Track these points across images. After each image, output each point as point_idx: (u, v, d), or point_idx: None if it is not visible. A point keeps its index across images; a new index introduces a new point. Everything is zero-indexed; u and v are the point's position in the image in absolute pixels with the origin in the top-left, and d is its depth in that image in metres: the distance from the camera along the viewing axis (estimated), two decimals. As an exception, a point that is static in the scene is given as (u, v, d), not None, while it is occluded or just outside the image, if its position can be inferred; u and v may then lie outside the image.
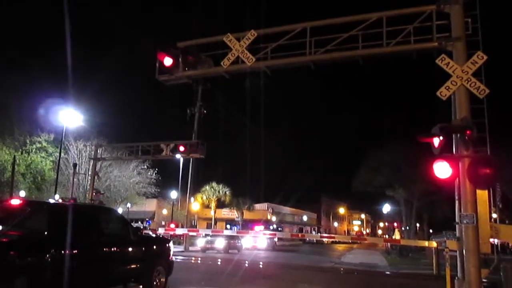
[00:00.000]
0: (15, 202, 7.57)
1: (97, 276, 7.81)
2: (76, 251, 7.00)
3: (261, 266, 21.17)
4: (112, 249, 8.31)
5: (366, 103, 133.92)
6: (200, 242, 32.55)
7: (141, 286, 9.07)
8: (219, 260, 23.24)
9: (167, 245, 10.55)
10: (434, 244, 16.56)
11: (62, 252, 6.75)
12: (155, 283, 9.42)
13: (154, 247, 9.97)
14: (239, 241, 34.04)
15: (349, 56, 10.40)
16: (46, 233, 6.89)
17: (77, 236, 7.02)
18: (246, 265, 20.68)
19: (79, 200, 23.75)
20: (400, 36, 9.63)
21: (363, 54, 10.19)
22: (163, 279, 9.76)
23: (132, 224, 10.08)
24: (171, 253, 10.51)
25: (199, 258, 23.95)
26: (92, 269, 7.60)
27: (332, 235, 33.04)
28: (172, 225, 35.03)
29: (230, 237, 32.01)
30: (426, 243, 21.14)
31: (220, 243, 31.28)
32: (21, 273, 6.12)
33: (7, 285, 5.90)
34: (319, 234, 78.98)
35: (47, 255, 6.53)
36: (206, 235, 31.74)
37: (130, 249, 8.90)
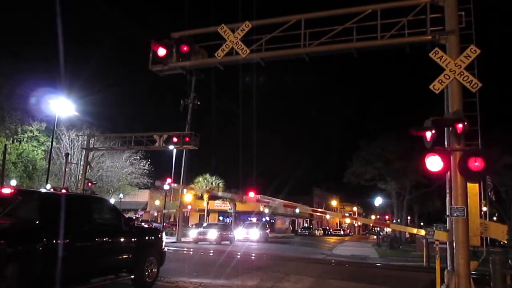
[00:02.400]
0: (6, 190, 7.50)
1: (89, 266, 7.79)
2: (67, 240, 6.98)
3: (253, 257, 21.26)
4: (104, 239, 8.29)
5: (359, 96, 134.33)
6: (193, 233, 32.61)
7: (132, 276, 9.06)
8: (212, 251, 23.30)
9: (159, 235, 10.55)
10: (422, 232, 16.87)
11: (54, 241, 6.73)
12: (147, 273, 9.45)
13: (146, 237, 9.96)
14: (231, 233, 34.14)
15: (343, 48, 10.38)
16: (37, 222, 6.85)
17: (68, 226, 6.99)
18: (238, 256, 20.75)
19: (71, 190, 23.66)
20: (395, 29, 9.63)
21: (357, 46, 10.19)
22: (155, 270, 9.79)
23: (124, 214, 10.03)
24: (163, 243, 10.53)
25: (191, 249, 24.00)
26: (83, 259, 7.58)
27: (324, 210, 33.30)
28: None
29: (222, 228, 32.00)
30: (414, 230, 21.50)
31: (212, 234, 31.35)
32: (11, 262, 6.09)
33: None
34: (311, 226, 79.54)
35: (38, 244, 6.50)
36: (198, 225, 31.77)
37: (122, 239, 8.89)
